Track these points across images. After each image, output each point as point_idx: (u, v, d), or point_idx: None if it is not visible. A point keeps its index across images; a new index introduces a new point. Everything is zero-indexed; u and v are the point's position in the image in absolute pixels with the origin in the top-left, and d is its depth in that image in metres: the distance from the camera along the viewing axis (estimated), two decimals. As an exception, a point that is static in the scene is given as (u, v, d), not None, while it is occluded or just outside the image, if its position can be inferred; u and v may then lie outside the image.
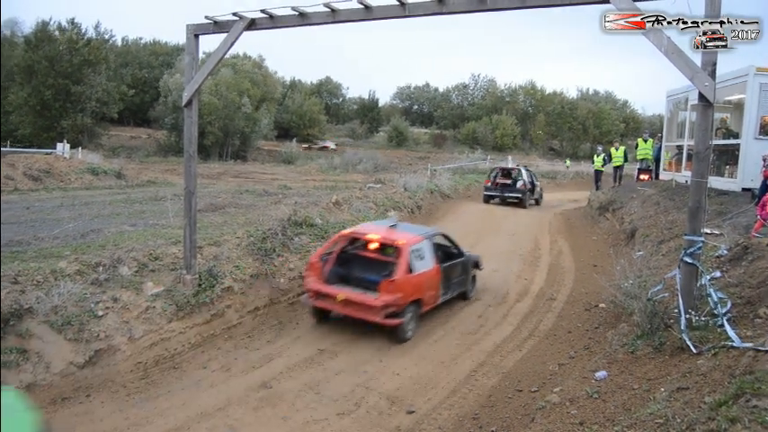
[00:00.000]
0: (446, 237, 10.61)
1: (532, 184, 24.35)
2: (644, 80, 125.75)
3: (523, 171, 24.43)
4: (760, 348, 4.29)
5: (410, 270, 8.57)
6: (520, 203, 23.11)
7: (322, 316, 9.12)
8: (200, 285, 8.44)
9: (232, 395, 6.72)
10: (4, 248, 8.71)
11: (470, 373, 7.49)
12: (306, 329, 8.92)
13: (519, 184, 23.58)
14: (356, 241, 9.76)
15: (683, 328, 5.25)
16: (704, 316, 5.45)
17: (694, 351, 4.95)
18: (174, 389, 6.85)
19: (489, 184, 24.29)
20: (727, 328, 4.98)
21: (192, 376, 7.19)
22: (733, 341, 4.70)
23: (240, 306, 8.97)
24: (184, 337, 7.88)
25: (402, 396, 6.83)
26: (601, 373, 5.70)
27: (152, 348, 7.42)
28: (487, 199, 23.62)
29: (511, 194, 23.38)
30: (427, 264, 9.09)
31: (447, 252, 10.30)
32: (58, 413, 6.08)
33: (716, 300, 5.42)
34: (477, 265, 11.06)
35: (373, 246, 9.40)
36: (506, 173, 24.84)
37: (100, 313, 7.09)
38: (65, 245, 9.31)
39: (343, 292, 8.53)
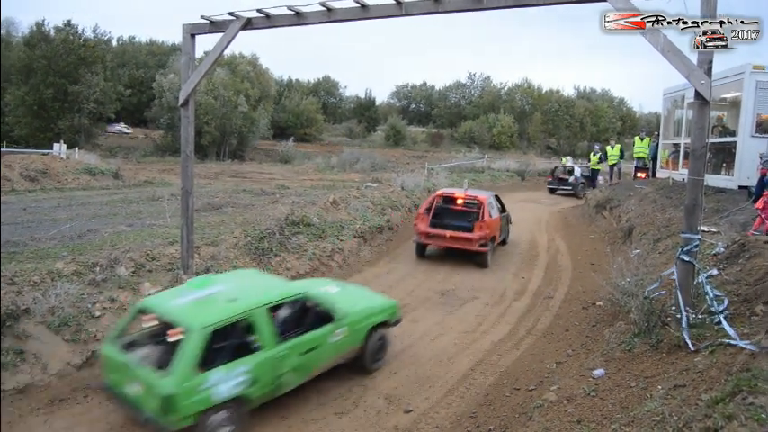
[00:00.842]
0: (497, 197, 14.74)
1: (584, 178, 27.07)
2: (641, 78, 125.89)
3: (576, 169, 28.01)
4: (753, 348, 4.30)
5: (490, 216, 12.94)
6: (574, 195, 26.00)
7: (422, 252, 13.43)
8: (197, 285, 8.42)
9: (230, 395, 6.70)
10: (2, 249, 8.69)
11: (468, 372, 7.50)
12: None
13: (571, 179, 27.21)
14: (447, 198, 13.99)
15: (683, 325, 5.26)
16: (701, 314, 5.46)
17: (692, 348, 4.96)
18: (171, 389, 6.83)
19: (551, 179, 28.26)
20: (725, 325, 4.99)
21: (189, 376, 7.17)
22: (733, 339, 4.71)
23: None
24: (182, 338, 7.86)
25: (400, 395, 6.84)
26: (598, 371, 5.71)
27: (149, 349, 7.40)
28: (551, 191, 26.96)
29: (565, 187, 27.34)
30: (495, 213, 13.60)
31: (501, 206, 14.64)
32: (55, 414, 6.06)
33: (711, 297, 5.42)
34: (509, 221, 15.59)
35: (460, 201, 13.80)
36: (563, 170, 28.79)
37: (97, 314, 7.08)
38: (62, 245, 9.29)
39: (449, 231, 12.66)
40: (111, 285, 7.61)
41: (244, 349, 5.88)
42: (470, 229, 12.59)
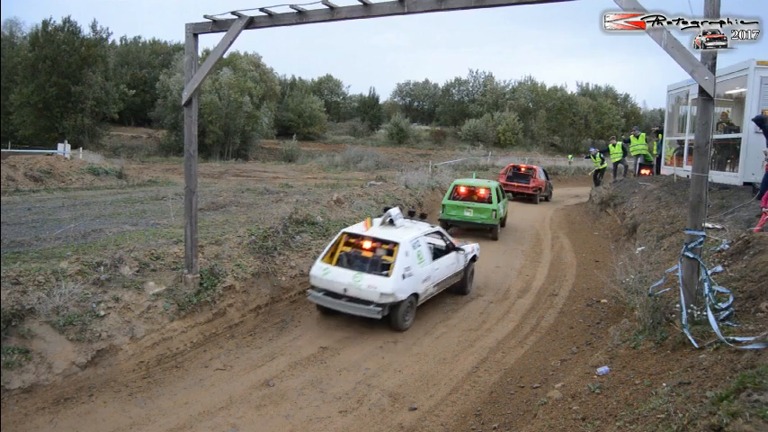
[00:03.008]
0: (545, 170, 28.16)
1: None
2: (645, 74, 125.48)
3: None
4: (745, 347, 4.28)
5: (539, 177, 25.38)
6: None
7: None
8: (201, 284, 8.44)
9: (234, 394, 6.73)
10: (6, 249, 8.72)
11: (472, 370, 7.49)
12: (307, 327, 8.93)
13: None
14: (516, 168, 26.53)
15: (683, 322, 5.25)
16: (706, 311, 5.44)
17: (696, 346, 4.95)
18: (176, 388, 6.86)
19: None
20: (712, 322, 4.95)
21: (194, 375, 7.20)
22: (737, 337, 4.69)
23: (242, 305, 8.98)
24: (186, 337, 7.89)
25: (404, 393, 6.84)
26: (603, 369, 5.70)
27: (154, 348, 7.42)
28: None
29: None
30: (542, 177, 25.78)
31: (547, 176, 27.22)
32: (61, 413, 6.09)
33: (707, 293, 5.39)
34: (552, 186, 27.71)
35: (522, 169, 26.22)
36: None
37: (102, 313, 7.09)
38: (66, 245, 9.31)
39: (516, 183, 24.80)
40: (116, 285, 7.62)
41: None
42: (528, 183, 24.93)
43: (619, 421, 4.31)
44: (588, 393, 5.25)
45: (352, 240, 9.74)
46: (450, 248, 10.43)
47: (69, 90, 38.97)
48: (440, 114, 76.28)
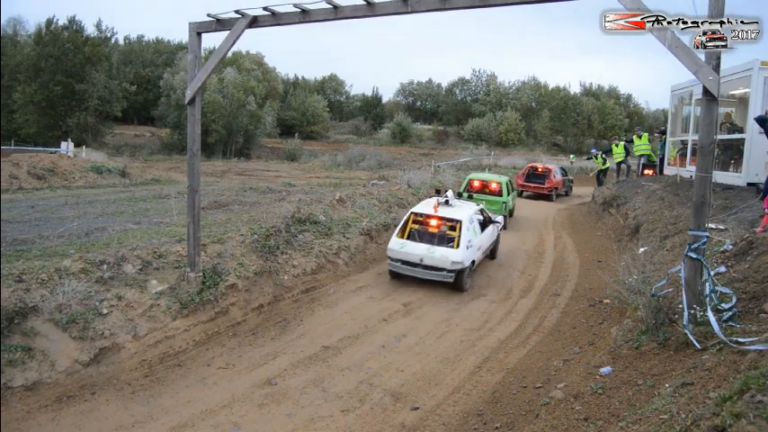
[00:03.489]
0: (563, 168, 29.90)
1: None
2: (648, 74, 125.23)
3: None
4: (747, 347, 4.27)
5: (555, 177, 26.07)
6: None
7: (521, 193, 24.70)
8: (204, 283, 8.45)
9: (236, 392, 6.74)
10: (9, 247, 8.74)
11: (474, 370, 7.49)
12: (310, 326, 8.93)
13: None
14: (533, 168, 27.07)
15: (685, 323, 5.23)
16: (707, 311, 5.42)
17: (698, 347, 4.94)
18: (178, 386, 6.87)
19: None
20: (713, 322, 4.95)
21: (196, 374, 7.21)
22: (741, 338, 4.68)
23: (244, 303, 8.98)
24: (189, 335, 7.90)
25: (406, 392, 6.84)
26: (605, 369, 5.69)
27: (156, 346, 7.43)
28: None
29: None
30: (558, 176, 26.81)
31: (564, 173, 28.49)
32: (64, 411, 6.10)
33: (708, 293, 5.38)
34: (572, 181, 29.50)
35: (540, 169, 26.63)
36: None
37: (104, 311, 7.10)
38: (69, 243, 9.32)
39: (533, 184, 25.67)
40: (119, 283, 7.63)
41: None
42: (544, 183, 25.48)
43: (621, 422, 4.30)
44: (591, 393, 5.24)
45: (420, 219, 11.76)
46: (488, 222, 13.01)
47: (73, 88, 39.02)
48: (443, 114, 76.19)
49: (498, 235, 13.64)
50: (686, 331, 5.16)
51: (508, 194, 18.09)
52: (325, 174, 31.56)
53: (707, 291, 5.42)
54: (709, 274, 5.48)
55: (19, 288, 6.74)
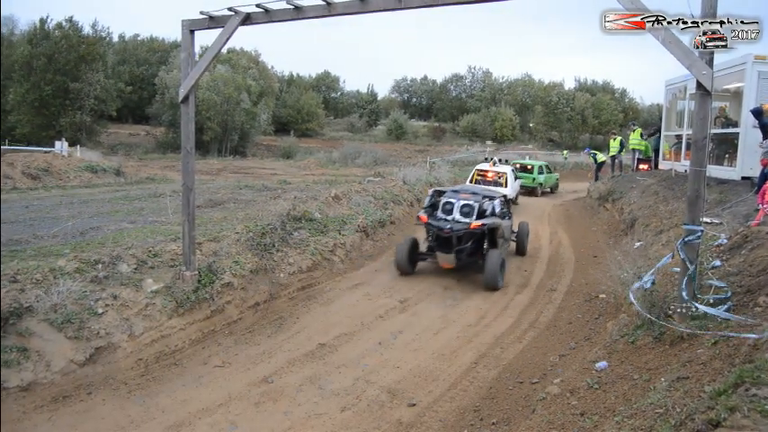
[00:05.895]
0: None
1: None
2: (642, 70, 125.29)
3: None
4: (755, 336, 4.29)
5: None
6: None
7: None
8: (199, 281, 8.43)
9: (233, 391, 6.73)
10: (4, 248, 8.70)
11: (471, 366, 7.50)
12: (306, 324, 8.93)
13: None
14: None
15: (671, 312, 5.26)
16: (703, 305, 5.44)
17: (682, 330, 4.96)
18: (174, 385, 6.86)
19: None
20: (701, 306, 4.98)
21: (192, 372, 7.19)
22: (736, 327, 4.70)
23: (240, 301, 8.97)
24: (185, 334, 7.88)
25: (403, 389, 6.84)
26: (601, 364, 5.70)
27: (152, 345, 7.41)
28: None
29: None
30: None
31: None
32: (59, 411, 6.08)
33: (683, 285, 5.42)
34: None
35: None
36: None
37: (100, 311, 7.08)
38: (64, 243, 9.29)
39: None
40: (114, 282, 7.61)
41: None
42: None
43: (617, 416, 4.31)
44: (587, 388, 5.25)
45: (481, 172, 20.81)
46: (516, 178, 22.00)
47: (67, 87, 38.87)
48: (438, 110, 76.17)
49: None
50: (674, 318, 5.20)
51: (540, 174, 26.62)
52: (321, 171, 31.54)
53: (683, 288, 5.47)
54: (694, 270, 5.51)
55: (14, 288, 6.71)
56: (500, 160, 23.04)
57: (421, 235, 12.30)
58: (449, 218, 11.44)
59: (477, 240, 11.42)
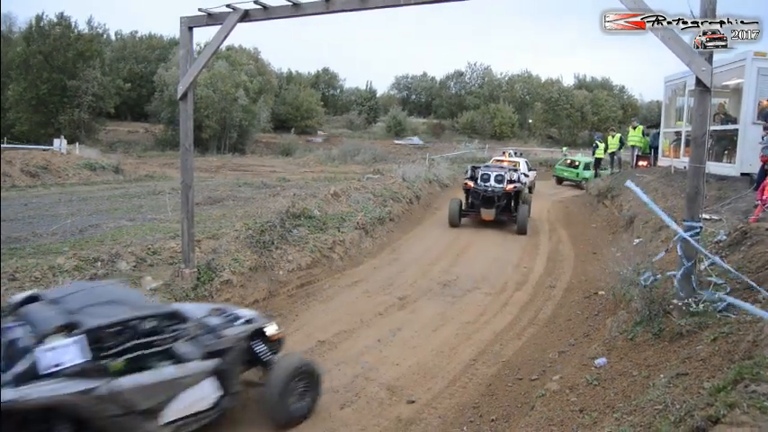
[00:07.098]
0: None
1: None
2: (642, 66, 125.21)
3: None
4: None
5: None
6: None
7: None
8: (198, 279, 8.43)
9: (233, 388, 6.71)
10: (3, 246, 8.69)
11: (470, 363, 7.50)
12: (305, 321, 8.92)
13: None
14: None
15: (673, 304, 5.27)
16: (703, 301, 5.45)
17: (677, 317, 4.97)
18: (174, 383, 6.84)
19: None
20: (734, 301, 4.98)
21: (192, 370, 7.17)
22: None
23: (239, 299, 8.95)
24: (184, 331, 7.86)
25: (402, 386, 6.84)
26: (600, 360, 5.71)
27: (152, 343, 7.40)
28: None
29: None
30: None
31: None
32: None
33: (679, 278, 5.44)
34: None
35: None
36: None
37: (99, 308, 7.06)
38: (63, 241, 9.29)
39: None
40: (113, 280, 7.61)
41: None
42: None
43: (616, 413, 4.32)
44: (586, 385, 5.26)
45: (498, 161, 22.73)
46: (530, 169, 24.64)
47: (64, 85, 38.80)
48: (437, 107, 76.06)
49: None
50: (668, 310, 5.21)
51: (585, 170, 27.85)
52: (320, 168, 31.53)
53: (675, 284, 5.48)
54: (688, 267, 5.52)
55: (12, 286, 6.71)
56: (515, 152, 26.33)
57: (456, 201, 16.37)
58: (487, 184, 15.89)
59: (508, 200, 15.97)
